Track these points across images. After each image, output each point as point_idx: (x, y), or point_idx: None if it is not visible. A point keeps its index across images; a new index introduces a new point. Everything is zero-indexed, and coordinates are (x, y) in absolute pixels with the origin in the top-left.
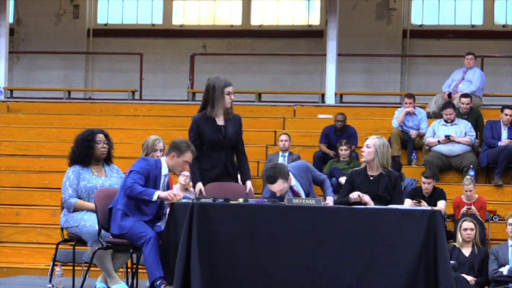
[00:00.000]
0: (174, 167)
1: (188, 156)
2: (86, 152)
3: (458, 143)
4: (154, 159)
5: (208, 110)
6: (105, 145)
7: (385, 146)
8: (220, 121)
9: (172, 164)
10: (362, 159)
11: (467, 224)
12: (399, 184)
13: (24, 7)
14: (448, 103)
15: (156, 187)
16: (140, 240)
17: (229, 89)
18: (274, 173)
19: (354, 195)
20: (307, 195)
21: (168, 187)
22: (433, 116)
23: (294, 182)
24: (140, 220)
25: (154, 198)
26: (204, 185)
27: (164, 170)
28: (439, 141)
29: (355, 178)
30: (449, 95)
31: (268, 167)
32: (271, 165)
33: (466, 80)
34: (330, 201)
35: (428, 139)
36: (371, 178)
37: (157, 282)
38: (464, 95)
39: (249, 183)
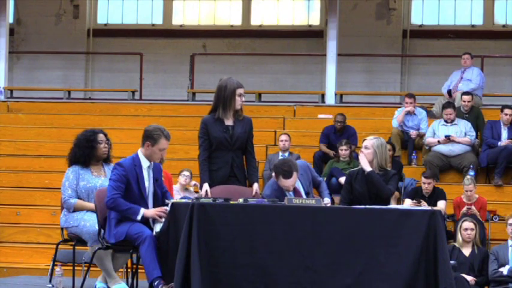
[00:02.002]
0: (150, 156)
1: (163, 143)
2: (89, 152)
3: (459, 143)
4: (131, 156)
5: (220, 111)
6: (106, 145)
7: (383, 146)
8: (228, 122)
9: (148, 154)
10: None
11: (468, 224)
12: (395, 178)
13: (24, 7)
14: (448, 103)
15: (140, 185)
16: (136, 241)
17: (240, 90)
18: (290, 167)
19: None
20: (307, 194)
21: (160, 183)
22: (438, 117)
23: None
24: (135, 222)
25: (139, 218)
26: (211, 185)
27: (144, 163)
28: (439, 141)
29: (355, 177)
30: (449, 92)
31: (280, 162)
32: (282, 160)
33: (465, 79)
34: (327, 201)
35: (429, 139)
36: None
37: (156, 283)
38: (466, 93)
39: (255, 186)
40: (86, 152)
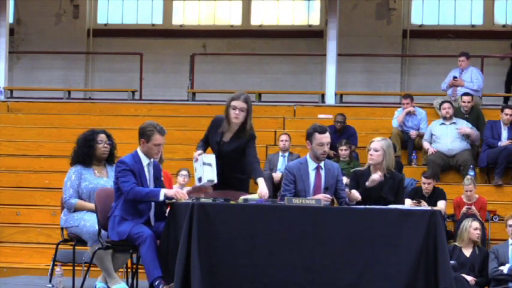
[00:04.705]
0: (148, 152)
1: (157, 138)
2: (87, 152)
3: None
4: (131, 154)
5: (224, 122)
6: (106, 145)
7: (391, 147)
8: (226, 137)
9: (145, 151)
10: (371, 162)
11: (477, 224)
12: (402, 186)
13: (24, 7)
14: (444, 100)
15: (142, 180)
16: (137, 241)
17: (234, 103)
18: (323, 125)
19: (371, 181)
20: (326, 189)
21: (161, 182)
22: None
23: (322, 165)
24: (137, 223)
25: (161, 198)
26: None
27: (144, 161)
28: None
29: (360, 178)
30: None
31: (312, 125)
32: (313, 124)
33: (464, 81)
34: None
35: (425, 143)
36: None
37: (156, 283)
38: (466, 94)
39: (261, 181)
40: (84, 151)
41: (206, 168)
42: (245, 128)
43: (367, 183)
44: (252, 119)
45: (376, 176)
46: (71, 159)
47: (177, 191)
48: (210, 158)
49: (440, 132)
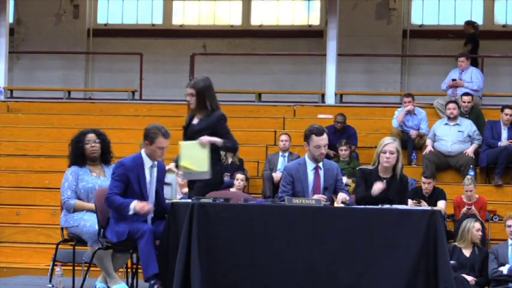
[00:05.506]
0: (151, 155)
1: (160, 141)
2: (77, 153)
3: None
4: (134, 155)
5: None
6: (94, 144)
7: (400, 148)
8: (195, 120)
9: (148, 153)
10: (386, 165)
11: (479, 225)
12: (408, 188)
13: (24, 7)
14: (450, 100)
15: (141, 183)
16: (136, 235)
17: (187, 90)
18: (321, 127)
19: (376, 189)
20: (325, 189)
21: (162, 185)
22: None
23: (321, 165)
24: (135, 221)
25: (131, 212)
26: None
27: (147, 163)
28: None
29: (368, 176)
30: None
31: (309, 127)
32: (310, 126)
33: (464, 81)
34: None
35: (427, 141)
36: (384, 181)
37: (152, 282)
38: (466, 94)
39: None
40: (74, 152)
41: (166, 187)
42: (206, 110)
43: (372, 193)
44: (213, 99)
45: (380, 186)
46: (68, 160)
47: (143, 205)
48: (171, 178)
49: (442, 132)
